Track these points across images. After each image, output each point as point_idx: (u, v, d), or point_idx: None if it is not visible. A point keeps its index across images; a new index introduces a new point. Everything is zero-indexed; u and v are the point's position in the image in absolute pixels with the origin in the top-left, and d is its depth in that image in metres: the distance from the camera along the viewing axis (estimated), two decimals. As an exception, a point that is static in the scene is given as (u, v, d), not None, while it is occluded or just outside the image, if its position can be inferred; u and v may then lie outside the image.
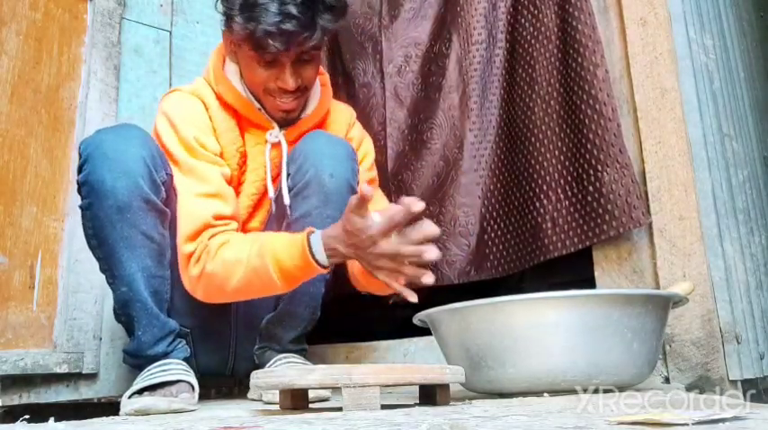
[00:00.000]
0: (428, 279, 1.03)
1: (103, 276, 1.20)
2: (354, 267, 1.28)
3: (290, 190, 1.23)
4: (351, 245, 1.03)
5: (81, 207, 1.15)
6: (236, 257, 1.12)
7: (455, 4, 1.63)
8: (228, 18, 1.22)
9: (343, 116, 1.43)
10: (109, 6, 1.66)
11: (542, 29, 1.42)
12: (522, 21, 1.48)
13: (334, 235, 1.06)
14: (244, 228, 1.31)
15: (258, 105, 1.31)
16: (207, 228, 1.16)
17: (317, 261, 1.07)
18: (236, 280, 1.12)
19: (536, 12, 1.44)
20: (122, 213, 1.10)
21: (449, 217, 1.54)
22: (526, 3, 1.48)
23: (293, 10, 1.14)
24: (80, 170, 1.13)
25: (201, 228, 1.15)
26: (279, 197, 1.28)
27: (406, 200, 1.00)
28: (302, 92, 1.28)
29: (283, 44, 1.17)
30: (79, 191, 1.15)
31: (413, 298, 1.04)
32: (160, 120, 1.25)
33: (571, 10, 1.34)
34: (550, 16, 1.40)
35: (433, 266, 1.55)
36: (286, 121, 1.32)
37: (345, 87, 1.80)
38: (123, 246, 1.12)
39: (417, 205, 0.98)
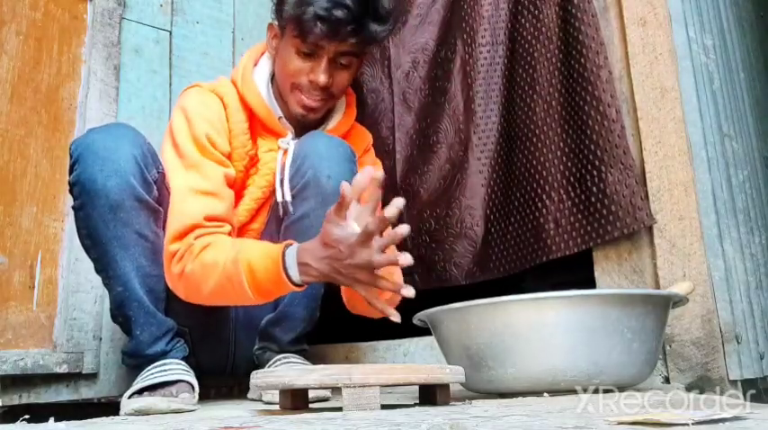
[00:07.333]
0: (408, 292, 0.98)
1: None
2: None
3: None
4: (325, 258, 1.00)
5: (73, 207, 1.14)
6: (214, 261, 1.09)
7: (460, 8, 1.63)
8: (280, 1, 1.24)
9: (361, 140, 1.43)
10: (109, 6, 1.66)
11: (543, 29, 1.41)
12: (524, 21, 1.48)
13: (308, 248, 1.02)
14: (244, 229, 1.30)
15: (280, 113, 1.31)
16: (195, 229, 1.13)
17: (289, 277, 1.04)
18: (212, 284, 1.10)
19: (537, 12, 1.44)
20: (115, 212, 1.10)
21: (455, 219, 1.54)
22: (527, 3, 1.48)
23: (348, 1, 1.17)
24: (71, 170, 1.12)
25: (189, 229, 1.13)
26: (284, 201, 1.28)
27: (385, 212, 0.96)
28: (329, 96, 1.28)
29: (329, 31, 1.18)
30: (71, 191, 1.14)
31: (396, 318, 1.00)
32: (177, 113, 1.25)
33: (573, 11, 1.33)
34: (551, 17, 1.40)
35: (441, 268, 1.55)
36: (303, 123, 1.31)
37: (353, 92, 1.80)
38: (117, 245, 1.12)
39: (391, 210, 0.95)
